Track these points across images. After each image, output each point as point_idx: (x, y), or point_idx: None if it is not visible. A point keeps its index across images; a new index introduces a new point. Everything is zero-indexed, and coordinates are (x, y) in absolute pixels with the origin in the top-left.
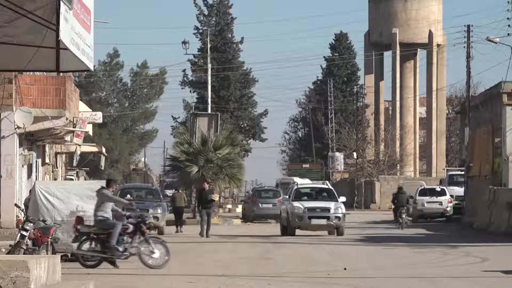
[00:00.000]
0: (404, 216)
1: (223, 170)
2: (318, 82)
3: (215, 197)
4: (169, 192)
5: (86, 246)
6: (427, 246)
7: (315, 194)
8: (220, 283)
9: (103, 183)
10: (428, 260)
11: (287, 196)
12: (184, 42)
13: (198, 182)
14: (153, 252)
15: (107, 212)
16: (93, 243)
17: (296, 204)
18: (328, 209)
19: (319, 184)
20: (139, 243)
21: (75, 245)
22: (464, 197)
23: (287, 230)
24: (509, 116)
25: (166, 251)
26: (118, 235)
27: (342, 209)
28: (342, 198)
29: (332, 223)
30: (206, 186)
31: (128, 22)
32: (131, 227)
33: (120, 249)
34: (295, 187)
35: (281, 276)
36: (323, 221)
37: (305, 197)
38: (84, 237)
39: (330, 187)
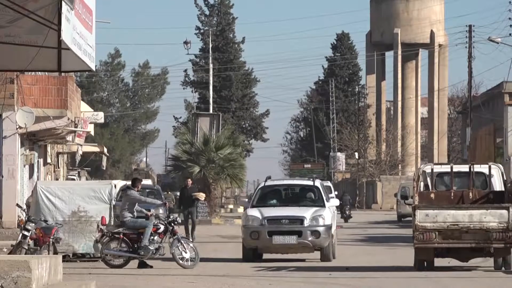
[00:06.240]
0: None
1: (224, 170)
2: (320, 82)
3: (201, 196)
4: None
5: (112, 246)
6: None
7: (291, 196)
8: (221, 283)
9: (104, 183)
10: None
11: (247, 200)
12: (185, 42)
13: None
14: (185, 252)
15: (134, 212)
16: (120, 243)
17: (251, 212)
18: (300, 220)
19: (300, 180)
20: (171, 242)
21: (99, 245)
22: None
23: (243, 253)
24: (510, 116)
25: (196, 251)
26: (150, 234)
27: (326, 219)
28: (333, 201)
29: (306, 241)
30: (189, 183)
31: (129, 22)
32: (162, 227)
33: (152, 248)
34: (262, 184)
35: (282, 276)
36: (292, 239)
37: (274, 201)
38: (109, 238)
39: (317, 184)
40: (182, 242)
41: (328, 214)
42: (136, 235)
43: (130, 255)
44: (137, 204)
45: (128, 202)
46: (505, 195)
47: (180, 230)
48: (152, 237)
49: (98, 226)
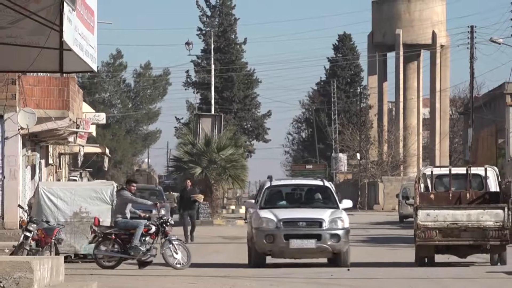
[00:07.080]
0: None
1: (226, 171)
2: (322, 83)
3: (200, 197)
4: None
5: (104, 247)
6: None
7: (301, 197)
8: (222, 284)
9: (105, 183)
10: None
11: (254, 201)
12: (187, 43)
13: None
14: (176, 253)
15: (127, 213)
16: (112, 244)
17: (264, 214)
18: (319, 222)
19: (309, 180)
20: (162, 243)
21: (92, 246)
22: None
23: (252, 257)
24: None
25: (188, 252)
26: (140, 235)
27: (345, 222)
28: (347, 203)
29: (325, 245)
30: (189, 184)
31: (131, 23)
32: (153, 228)
33: (143, 249)
34: (268, 184)
35: (284, 277)
36: (311, 243)
37: (283, 202)
38: (101, 238)
39: (328, 184)
40: (174, 243)
41: (346, 216)
42: (127, 236)
43: (121, 256)
44: (130, 205)
45: (120, 202)
46: (500, 196)
47: (175, 231)
48: (143, 238)
49: (91, 227)
